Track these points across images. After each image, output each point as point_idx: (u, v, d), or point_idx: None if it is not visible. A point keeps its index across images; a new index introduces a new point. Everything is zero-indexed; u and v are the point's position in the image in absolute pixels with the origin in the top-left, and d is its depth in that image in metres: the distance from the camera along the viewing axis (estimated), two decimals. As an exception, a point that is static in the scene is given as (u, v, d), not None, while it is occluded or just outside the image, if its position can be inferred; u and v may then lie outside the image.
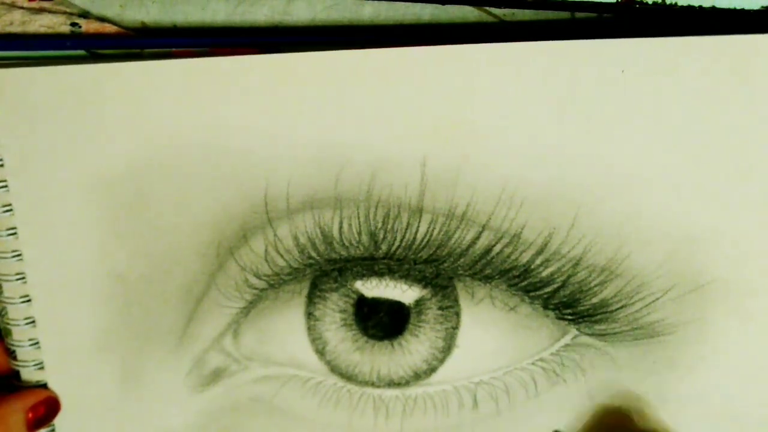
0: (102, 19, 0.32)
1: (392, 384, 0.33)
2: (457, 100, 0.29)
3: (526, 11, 0.31)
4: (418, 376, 0.33)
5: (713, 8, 0.29)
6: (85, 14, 0.32)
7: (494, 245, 0.30)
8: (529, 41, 0.29)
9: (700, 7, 0.30)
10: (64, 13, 0.32)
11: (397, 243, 0.31)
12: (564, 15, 0.31)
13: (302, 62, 0.30)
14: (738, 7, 0.29)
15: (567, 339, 0.32)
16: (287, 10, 0.32)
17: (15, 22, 0.32)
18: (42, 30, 0.33)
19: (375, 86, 0.30)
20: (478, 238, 0.30)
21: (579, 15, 0.31)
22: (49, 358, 0.33)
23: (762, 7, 0.29)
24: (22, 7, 0.32)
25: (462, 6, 0.32)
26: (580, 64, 0.29)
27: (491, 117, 0.29)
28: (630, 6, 0.30)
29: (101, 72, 0.30)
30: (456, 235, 0.30)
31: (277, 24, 0.32)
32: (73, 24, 0.32)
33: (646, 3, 0.30)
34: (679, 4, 0.30)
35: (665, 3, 0.30)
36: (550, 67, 0.29)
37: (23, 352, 0.33)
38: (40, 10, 0.32)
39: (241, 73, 0.30)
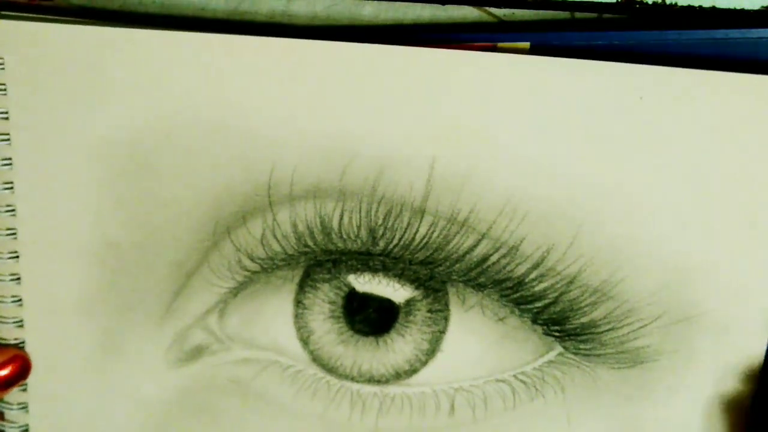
0: (102, 19, 0.32)
1: (372, 380, 0.33)
2: (472, 106, 0.29)
3: (526, 11, 0.31)
4: (398, 376, 0.33)
5: (713, 8, 0.30)
6: (85, 13, 0.32)
7: (491, 255, 0.30)
8: (557, 57, 0.29)
9: (700, 7, 0.30)
10: (65, 12, 0.32)
11: (395, 241, 0.31)
12: (564, 15, 0.31)
13: (321, 50, 0.29)
14: (738, 7, 0.30)
15: (551, 355, 0.32)
16: (287, 10, 0.32)
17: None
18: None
19: (393, 83, 0.29)
20: (476, 245, 0.30)
21: (579, 15, 0.31)
22: (30, 316, 0.33)
23: (762, 7, 0.29)
24: (22, 6, 0.32)
25: (462, 6, 0.32)
26: (602, 86, 0.29)
27: (505, 128, 0.29)
28: (630, 6, 0.30)
29: (115, 36, 0.30)
30: (455, 241, 0.30)
31: (277, 24, 0.32)
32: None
33: (646, 3, 0.30)
34: (679, 4, 0.30)
35: (665, 3, 0.30)
36: (570, 85, 0.29)
37: (4, 308, 0.33)
38: (40, 9, 0.32)
39: (257, 54, 0.30)
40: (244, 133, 0.30)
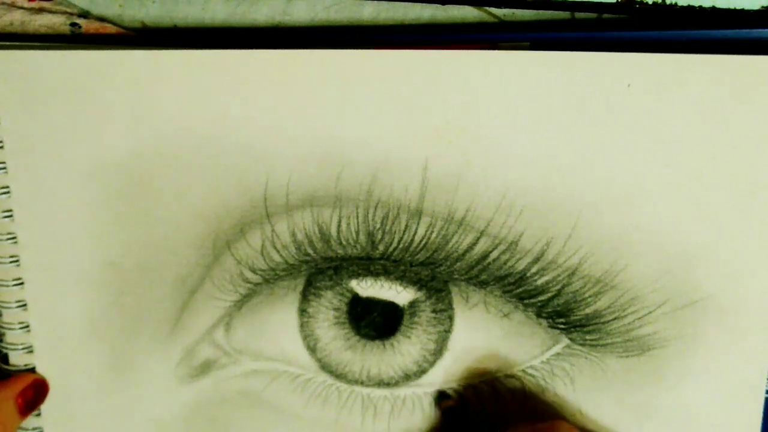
0: (102, 19, 0.32)
1: (381, 384, 0.33)
2: (461, 105, 0.29)
3: (526, 11, 0.31)
4: (407, 377, 0.33)
5: (713, 8, 0.30)
6: (85, 14, 0.32)
7: (491, 251, 0.30)
8: (536, 51, 0.29)
9: (700, 7, 0.30)
10: (64, 13, 0.32)
11: (394, 244, 0.31)
12: (564, 15, 0.31)
13: (309, 59, 0.30)
14: (738, 7, 0.30)
15: (558, 348, 0.32)
16: (287, 10, 0.32)
17: (15, 22, 0.32)
18: (42, 30, 0.32)
19: (380, 87, 0.30)
20: (475, 243, 0.30)
21: (579, 15, 0.31)
22: (38, 342, 0.33)
23: (762, 7, 0.29)
24: (22, 7, 0.32)
25: (462, 6, 0.32)
26: (588, 76, 0.29)
27: (495, 124, 0.29)
28: (630, 6, 0.30)
29: (106, 59, 0.30)
30: (454, 240, 0.30)
31: (277, 24, 0.32)
32: (73, 24, 0.32)
33: (646, 3, 0.30)
34: (679, 4, 0.30)
35: (665, 3, 0.30)
36: (557, 77, 0.29)
37: (13, 335, 0.33)
38: (40, 10, 0.32)
39: (247, 68, 0.30)
40: (237, 147, 0.30)
